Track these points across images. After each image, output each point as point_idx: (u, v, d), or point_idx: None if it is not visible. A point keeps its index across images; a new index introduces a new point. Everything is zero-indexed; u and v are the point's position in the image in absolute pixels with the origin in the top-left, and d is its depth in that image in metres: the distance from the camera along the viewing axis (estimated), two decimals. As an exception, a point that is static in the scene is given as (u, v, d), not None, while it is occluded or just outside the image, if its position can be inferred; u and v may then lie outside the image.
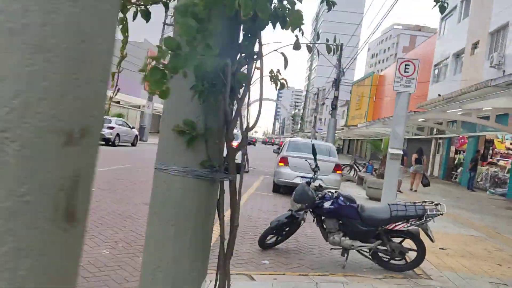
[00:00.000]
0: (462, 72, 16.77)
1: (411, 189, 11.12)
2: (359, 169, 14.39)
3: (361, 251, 3.71)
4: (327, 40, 1.39)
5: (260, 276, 3.13)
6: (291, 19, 1.32)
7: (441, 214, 3.61)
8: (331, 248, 3.79)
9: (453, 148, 17.56)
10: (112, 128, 16.33)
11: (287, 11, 1.32)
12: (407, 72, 6.62)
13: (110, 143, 16.07)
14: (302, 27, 1.34)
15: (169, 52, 0.95)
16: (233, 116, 1.38)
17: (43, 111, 0.48)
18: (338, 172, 8.06)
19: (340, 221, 3.67)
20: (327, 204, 3.65)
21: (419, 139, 20.30)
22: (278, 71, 1.40)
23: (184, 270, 1.32)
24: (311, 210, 3.76)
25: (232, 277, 3.10)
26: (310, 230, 4.70)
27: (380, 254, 3.68)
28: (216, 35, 1.34)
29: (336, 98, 19.68)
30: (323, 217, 3.73)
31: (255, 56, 1.37)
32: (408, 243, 3.78)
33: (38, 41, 0.48)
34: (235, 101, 1.40)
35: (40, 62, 0.48)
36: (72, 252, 0.54)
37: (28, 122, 0.48)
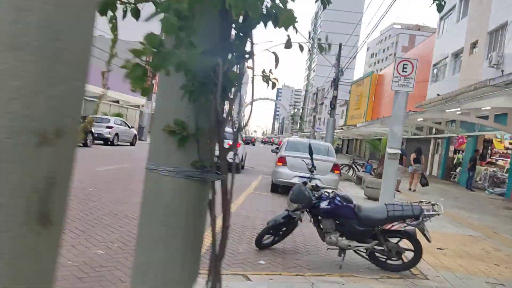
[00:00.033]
0: (460, 72, 16.78)
1: (410, 189, 11.12)
2: (357, 168, 14.39)
3: (358, 251, 3.70)
4: (320, 40, 1.38)
5: (256, 276, 3.11)
6: (283, 18, 1.31)
7: (438, 214, 3.60)
8: (328, 248, 3.78)
9: (452, 148, 17.57)
10: (111, 127, 16.31)
11: (278, 10, 1.30)
12: (405, 71, 6.61)
13: (109, 142, 16.05)
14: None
15: (152, 49, 0.94)
16: (224, 116, 1.37)
17: (15, 111, 0.47)
18: (336, 172, 8.05)
19: (337, 221, 3.66)
20: (323, 204, 3.64)
21: (418, 139, 20.30)
22: (270, 70, 1.39)
23: (175, 271, 1.31)
24: (307, 210, 3.75)
25: (228, 277, 3.10)
26: (307, 230, 4.69)
27: (377, 254, 3.67)
28: (206, 34, 1.32)
29: (335, 97, 19.67)
30: (319, 217, 3.72)
31: (247, 56, 1.36)
32: (405, 243, 3.77)
33: (9, 39, 0.46)
34: (227, 101, 1.39)
35: (11, 61, 0.46)
36: (47, 256, 0.52)
37: (-2, 123, 0.47)
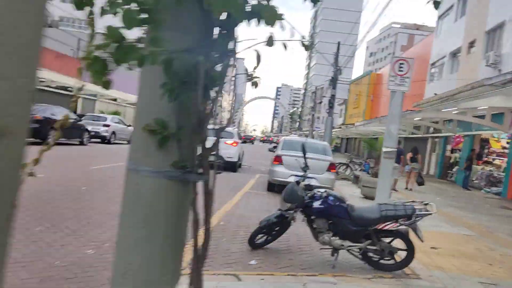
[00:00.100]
0: (458, 71, 16.78)
1: (407, 188, 11.12)
2: (355, 167, 14.39)
3: (351, 251, 3.69)
4: (304, 38, 1.35)
5: (247, 277, 3.10)
6: (266, 15, 1.28)
7: (430, 214, 3.59)
8: (321, 248, 3.76)
9: (449, 147, 17.60)
10: (107, 126, 16.25)
11: (262, 8, 1.28)
12: (402, 71, 6.59)
13: (106, 140, 16.00)
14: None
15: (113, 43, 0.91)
16: (207, 115, 1.34)
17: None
18: (332, 171, 8.04)
19: (330, 221, 3.64)
20: (316, 204, 3.63)
21: (415, 138, 20.32)
22: (254, 69, 1.37)
23: (155, 273, 1.29)
24: (300, 209, 3.74)
25: (219, 277, 3.08)
26: (301, 229, 4.67)
27: (370, 254, 3.66)
28: (188, 31, 1.30)
29: (333, 96, 19.67)
30: (313, 217, 3.71)
31: (230, 54, 1.33)
32: (398, 243, 3.76)
33: None
34: (209, 100, 1.36)
35: None
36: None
37: None
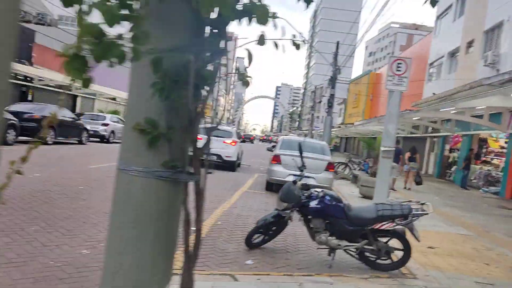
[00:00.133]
0: (456, 71, 16.79)
1: (405, 188, 11.13)
2: (354, 167, 14.39)
3: (348, 251, 3.68)
4: (294, 36, 1.34)
5: (244, 277, 3.09)
6: (258, 14, 1.27)
7: (427, 214, 3.59)
8: (318, 248, 3.76)
9: (447, 147, 17.61)
10: (106, 125, 16.23)
11: (253, 6, 1.27)
12: (399, 70, 6.59)
13: (105, 140, 15.97)
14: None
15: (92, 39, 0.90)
16: (198, 114, 1.33)
17: None
18: (331, 170, 8.04)
19: (327, 221, 3.64)
20: (313, 203, 3.62)
21: (414, 138, 20.34)
22: (245, 68, 1.36)
23: (146, 274, 1.28)
24: (297, 209, 3.73)
25: (215, 277, 3.07)
26: (299, 229, 4.67)
27: (366, 253, 3.65)
28: (179, 29, 1.29)
29: (332, 96, 19.66)
30: (309, 217, 3.70)
31: (221, 53, 1.32)
32: (394, 242, 3.76)
33: None
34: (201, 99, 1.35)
35: None
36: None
37: None
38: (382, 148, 6.42)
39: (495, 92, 9.13)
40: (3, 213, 3.72)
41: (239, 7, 1.26)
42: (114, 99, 26.11)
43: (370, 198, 7.59)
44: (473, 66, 14.82)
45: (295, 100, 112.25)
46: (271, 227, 3.93)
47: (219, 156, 10.75)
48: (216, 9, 1.22)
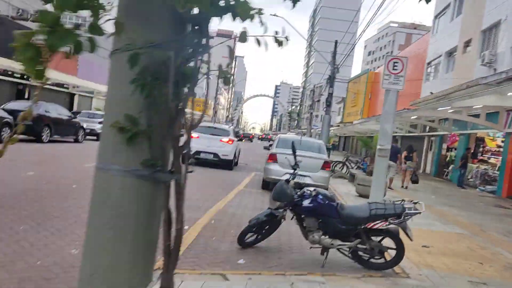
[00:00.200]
0: (454, 70, 16.79)
1: (402, 186, 11.13)
2: (351, 166, 14.39)
3: (341, 250, 3.66)
4: (276, 32, 1.31)
5: (235, 276, 3.07)
6: (239, 11, 1.24)
7: (419, 213, 3.57)
8: (311, 247, 3.74)
9: (444, 146, 17.64)
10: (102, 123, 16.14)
11: (235, 2, 1.24)
12: (396, 69, 6.57)
13: (101, 138, 15.86)
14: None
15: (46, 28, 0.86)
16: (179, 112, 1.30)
17: None
18: (327, 169, 8.02)
19: (320, 220, 3.62)
20: (306, 202, 3.60)
21: (412, 137, 20.37)
22: (227, 65, 1.33)
23: (124, 276, 1.25)
24: (290, 208, 3.71)
25: (206, 277, 3.04)
26: (293, 228, 4.64)
27: (359, 253, 3.64)
28: (159, 26, 1.26)
29: (330, 95, 19.63)
30: (302, 216, 3.68)
31: (202, 50, 1.29)
32: (387, 241, 3.74)
33: None
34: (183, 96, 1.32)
35: None
36: None
37: None
38: (378, 147, 6.41)
39: (492, 91, 9.13)
40: (-7, 212, 3.68)
41: (221, 3, 1.23)
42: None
43: (366, 197, 7.57)
44: (471, 65, 14.82)
45: (295, 99, 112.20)
46: (264, 226, 3.91)
47: (215, 154, 10.72)
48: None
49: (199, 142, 10.80)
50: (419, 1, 2.19)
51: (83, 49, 0.93)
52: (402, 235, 3.62)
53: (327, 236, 3.60)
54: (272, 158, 7.92)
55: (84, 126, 14.24)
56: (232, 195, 6.95)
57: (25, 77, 17.50)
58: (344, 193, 8.84)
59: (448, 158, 17.25)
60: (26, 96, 17.36)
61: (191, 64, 1.30)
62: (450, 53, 17.82)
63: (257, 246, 3.92)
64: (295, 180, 4.04)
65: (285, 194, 3.66)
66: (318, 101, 43.74)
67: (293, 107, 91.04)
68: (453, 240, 5.31)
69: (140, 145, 1.26)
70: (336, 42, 19.91)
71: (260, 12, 1.28)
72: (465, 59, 15.84)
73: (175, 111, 1.29)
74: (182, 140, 1.31)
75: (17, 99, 15.50)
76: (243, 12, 1.25)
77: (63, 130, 12.83)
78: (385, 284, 3.31)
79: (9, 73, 15.70)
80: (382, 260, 3.65)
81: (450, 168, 16.42)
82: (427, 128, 18.60)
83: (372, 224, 3.53)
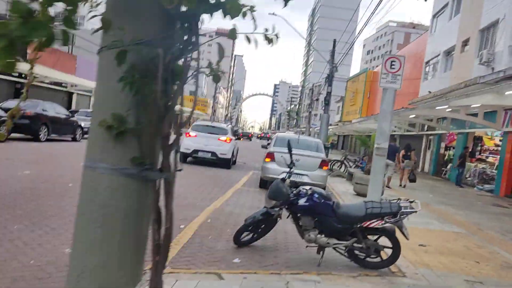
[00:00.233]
0: (452, 70, 16.80)
1: (400, 185, 11.14)
2: (349, 164, 14.40)
3: (337, 249, 3.66)
4: (266, 30, 1.29)
5: (230, 275, 3.05)
6: (228, 7, 1.22)
7: (415, 212, 3.57)
8: (307, 246, 3.73)
9: (443, 145, 17.66)
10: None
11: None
12: (393, 68, 6.56)
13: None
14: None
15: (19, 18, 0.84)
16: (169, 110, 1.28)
17: None
18: (324, 168, 8.02)
19: (316, 219, 3.61)
20: (301, 201, 3.59)
21: (411, 136, 20.39)
22: (217, 63, 1.31)
23: (112, 276, 1.24)
24: (286, 207, 3.70)
25: (200, 276, 3.03)
26: (290, 227, 4.64)
27: (356, 251, 3.63)
28: (146, 23, 1.24)
29: (329, 94, 19.61)
30: (298, 214, 3.67)
31: (192, 47, 1.27)
32: (383, 240, 3.74)
33: None
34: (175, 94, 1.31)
35: None
36: None
37: None
38: (375, 146, 6.40)
39: (490, 90, 9.13)
40: (-12, 211, 3.66)
41: (211, 0, 1.21)
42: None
43: (364, 195, 7.57)
44: (468, 64, 14.83)
45: (293, 98, 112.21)
46: (260, 225, 3.90)
47: (213, 153, 10.70)
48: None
49: (197, 141, 10.78)
50: (417, -1, 2.18)
51: (55, 42, 0.91)
52: (398, 234, 3.62)
53: (323, 235, 3.59)
54: (270, 156, 7.91)
55: (82, 124, 14.19)
56: (229, 194, 6.94)
57: (23, 76, 17.44)
58: (342, 192, 8.84)
59: (446, 157, 17.28)
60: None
61: (181, 61, 1.29)
62: (448, 52, 17.83)
63: (253, 245, 3.91)
64: (292, 178, 4.03)
65: (281, 192, 3.65)
66: (317, 100, 43.69)
67: (292, 106, 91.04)
68: (450, 239, 5.31)
69: (129, 143, 1.25)
70: (334, 41, 19.89)
71: (252, 9, 1.26)
72: (463, 58, 15.84)
73: (164, 109, 1.27)
74: (172, 138, 1.29)
75: (14, 98, 15.44)
76: (233, 9, 1.23)
77: (61, 129, 12.79)
78: (381, 283, 3.30)
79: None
80: (378, 259, 3.65)
81: (448, 167, 16.44)
82: (426, 127, 18.62)
83: (368, 223, 3.52)
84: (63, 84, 20.93)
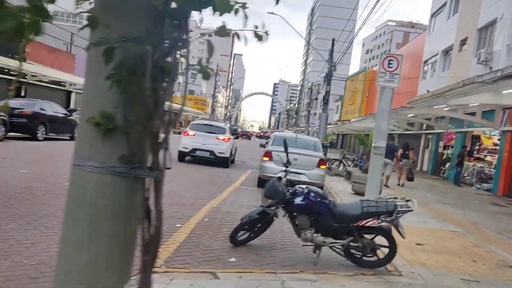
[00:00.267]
0: (450, 69, 16.80)
1: (399, 184, 11.15)
2: (348, 163, 14.40)
3: (333, 248, 3.65)
4: (256, 27, 1.28)
5: (225, 274, 3.05)
6: (217, 4, 1.21)
7: (411, 210, 3.56)
8: (303, 245, 3.73)
9: (441, 144, 17.68)
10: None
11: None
12: (391, 67, 6.55)
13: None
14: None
15: None
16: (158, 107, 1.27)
17: None
18: (322, 167, 8.01)
19: (312, 217, 3.60)
20: (298, 200, 3.58)
21: (409, 135, 20.40)
22: (207, 60, 1.30)
23: (100, 275, 1.23)
24: (282, 206, 3.69)
25: (195, 275, 3.02)
26: (286, 226, 4.63)
27: (352, 250, 3.63)
28: (134, 19, 1.22)
29: (327, 93, 19.60)
30: (295, 213, 3.66)
31: (182, 44, 1.26)
32: (380, 239, 3.73)
33: None
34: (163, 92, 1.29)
35: None
36: None
37: None
38: (373, 145, 6.39)
39: (488, 90, 9.14)
40: (-17, 211, 3.64)
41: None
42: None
43: (362, 194, 7.57)
44: (467, 63, 14.83)
45: (293, 97, 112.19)
46: (257, 224, 3.89)
47: (212, 152, 10.69)
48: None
49: (195, 140, 10.76)
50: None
51: (26, 33, 0.88)
52: (394, 232, 3.61)
53: (319, 234, 3.58)
54: (268, 155, 7.90)
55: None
56: (227, 193, 6.93)
57: (24, 76, 17.38)
58: (340, 191, 8.83)
59: (444, 156, 17.29)
60: (22, 94, 17.23)
61: (170, 59, 1.27)
62: (447, 52, 17.83)
63: (249, 244, 3.90)
64: (290, 177, 4.02)
65: (277, 191, 3.64)
66: (316, 99, 43.68)
67: (291, 105, 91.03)
68: (448, 238, 5.32)
69: (117, 141, 1.24)
70: (333, 40, 19.87)
71: (244, 6, 1.25)
72: (461, 57, 15.85)
73: (153, 107, 1.26)
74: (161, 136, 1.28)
75: (13, 97, 15.38)
76: (223, 6, 1.22)
77: (59, 128, 12.75)
78: (377, 282, 3.30)
79: (5, 70, 15.59)
80: (374, 258, 3.65)
81: (446, 166, 16.46)
82: (424, 126, 18.63)
83: (364, 221, 3.52)
84: (61, 83, 20.87)
